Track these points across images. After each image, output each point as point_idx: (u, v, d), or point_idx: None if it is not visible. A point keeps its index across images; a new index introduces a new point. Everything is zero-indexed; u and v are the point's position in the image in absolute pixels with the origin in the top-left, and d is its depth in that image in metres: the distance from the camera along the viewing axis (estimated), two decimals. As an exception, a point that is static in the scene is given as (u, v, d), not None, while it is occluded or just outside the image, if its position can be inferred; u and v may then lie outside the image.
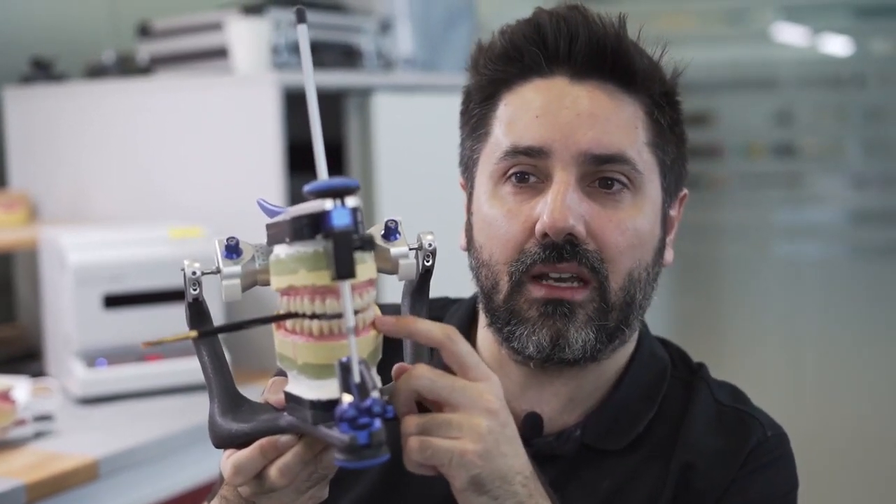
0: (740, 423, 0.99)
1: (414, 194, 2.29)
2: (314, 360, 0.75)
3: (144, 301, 1.93)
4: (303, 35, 0.74)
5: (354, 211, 0.72)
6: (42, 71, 2.40)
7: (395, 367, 0.80)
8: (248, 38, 2.18)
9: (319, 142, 0.73)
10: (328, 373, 0.74)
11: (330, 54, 2.35)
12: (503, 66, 0.98)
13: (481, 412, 0.78)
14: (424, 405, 0.79)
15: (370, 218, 2.15)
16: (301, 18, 0.75)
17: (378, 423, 0.71)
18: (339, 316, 0.74)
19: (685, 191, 1.04)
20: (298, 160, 2.22)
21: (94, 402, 1.91)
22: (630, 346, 1.02)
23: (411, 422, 0.78)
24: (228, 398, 0.82)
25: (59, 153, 2.37)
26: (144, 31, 2.41)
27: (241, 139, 2.14)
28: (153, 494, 1.73)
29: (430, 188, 2.26)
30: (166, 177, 2.25)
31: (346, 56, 2.39)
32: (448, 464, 0.77)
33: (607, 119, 0.94)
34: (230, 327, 0.82)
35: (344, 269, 0.71)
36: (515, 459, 0.80)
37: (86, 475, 1.60)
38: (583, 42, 0.94)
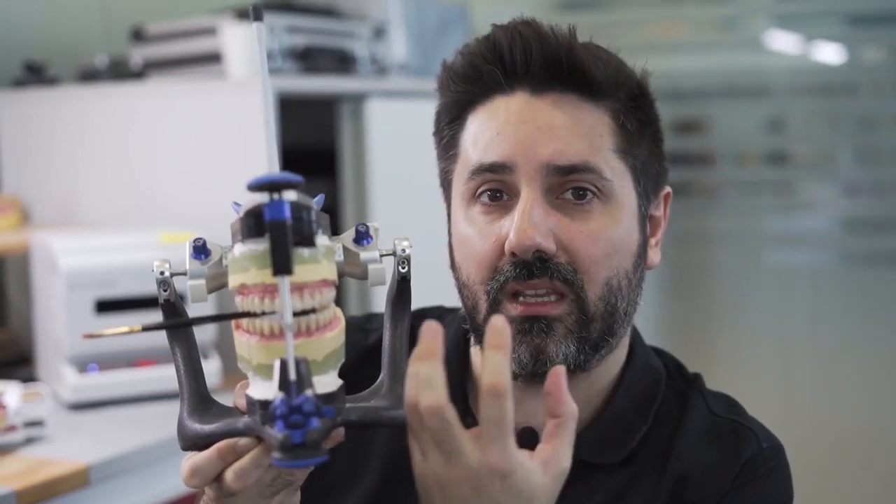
0: (735, 434, 0.99)
1: (407, 200, 2.29)
2: (265, 359, 0.74)
3: (136, 306, 1.93)
4: (259, 34, 0.74)
5: (292, 205, 0.71)
6: (34, 75, 2.40)
7: None
8: (241, 42, 2.17)
9: (272, 137, 0.73)
10: None
11: (323, 60, 2.35)
12: (465, 86, 0.98)
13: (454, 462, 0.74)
14: None
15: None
16: (257, 17, 0.74)
17: (315, 422, 0.70)
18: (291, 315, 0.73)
19: (668, 189, 1.04)
20: (293, 165, 2.22)
21: (85, 408, 1.91)
22: (620, 355, 1.01)
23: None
24: (198, 400, 0.82)
25: (52, 157, 2.37)
26: (137, 36, 2.41)
27: (234, 144, 2.14)
28: (144, 500, 1.72)
29: (423, 194, 2.25)
30: (159, 181, 2.25)
31: (340, 61, 2.39)
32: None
33: (569, 130, 0.94)
34: (177, 324, 0.81)
35: (279, 263, 0.70)
36: None
37: (77, 481, 1.60)
38: (537, 56, 0.95)
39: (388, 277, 0.84)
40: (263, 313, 0.73)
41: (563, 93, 0.95)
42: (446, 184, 1.02)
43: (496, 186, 0.95)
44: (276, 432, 0.70)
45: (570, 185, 0.94)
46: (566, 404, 0.77)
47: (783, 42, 3.15)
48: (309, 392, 0.70)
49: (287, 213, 0.70)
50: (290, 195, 0.71)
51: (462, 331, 1.04)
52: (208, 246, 0.79)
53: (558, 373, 0.77)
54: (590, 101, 0.95)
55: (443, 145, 1.02)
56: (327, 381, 0.76)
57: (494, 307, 0.94)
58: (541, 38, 0.95)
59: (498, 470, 0.73)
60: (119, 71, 2.39)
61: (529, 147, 0.93)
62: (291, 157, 2.20)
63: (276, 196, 0.70)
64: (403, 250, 0.83)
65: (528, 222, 0.91)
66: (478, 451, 0.74)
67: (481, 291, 0.95)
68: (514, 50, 0.95)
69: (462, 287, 0.98)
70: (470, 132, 0.98)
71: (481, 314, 0.95)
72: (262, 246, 0.72)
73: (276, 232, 0.70)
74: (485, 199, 0.96)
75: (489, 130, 0.96)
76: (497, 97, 0.97)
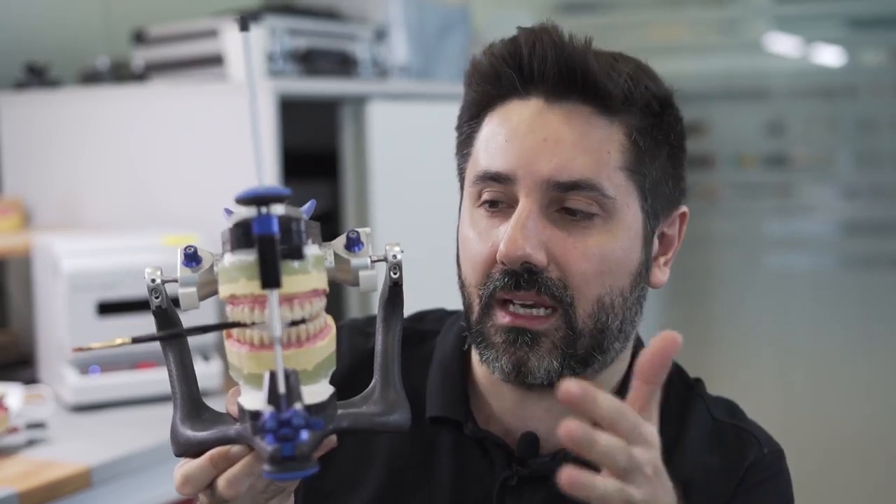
0: (737, 439, 0.99)
1: (409, 202, 2.29)
2: (255, 369, 0.74)
3: (138, 309, 1.92)
4: (246, 44, 0.74)
5: (280, 219, 0.71)
6: (36, 77, 2.40)
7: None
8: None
9: (262, 150, 0.73)
10: None
11: (325, 62, 2.35)
12: (485, 86, 0.98)
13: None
14: None
15: (366, 225, 2.15)
16: (244, 27, 0.74)
17: (304, 435, 0.70)
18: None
19: (684, 208, 1.03)
20: (294, 167, 2.23)
21: (87, 410, 1.91)
22: (622, 365, 1.01)
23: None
24: (191, 406, 0.82)
25: (53, 159, 2.37)
26: (139, 38, 2.41)
27: (235, 146, 2.14)
28: (146, 502, 1.72)
29: (424, 196, 2.26)
30: (161, 184, 2.25)
31: (341, 64, 2.40)
32: None
33: (574, 144, 0.93)
34: (166, 336, 0.82)
35: (268, 277, 0.70)
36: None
37: (79, 483, 1.60)
38: (552, 64, 0.94)
39: (381, 283, 0.84)
40: (253, 324, 0.74)
41: (577, 104, 0.94)
42: (461, 180, 1.03)
43: (496, 196, 0.95)
44: (266, 445, 0.70)
45: (569, 201, 0.93)
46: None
47: (783, 45, 3.16)
48: (298, 405, 0.71)
49: (275, 227, 0.70)
50: (277, 209, 0.71)
51: (464, 332, 1.05)
52: (199, 253, 0.80)
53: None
54: (603, 116, 0.94)
55: (460, 142, 1.02)
56: (317, 391, 0.75)
57: (485, 311, 0.94)
58: (556, 47, 0.94)
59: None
60: (120, 73, 2.40)
61: (532, 160, 0.93)
62: (293, 159, 2.21)
63: (264, 210, 0.70)
64: (395, 256, 0.83)
65: (519, 233, 0.91)
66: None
67: (475, 294, 0.96)
68: (533, 56, 0.94)
69: (461, 286, 0.99)
70: (484, 133, 0.98)
71: (474, 315, 0.96)
72: (251, 257, 0.72)
73: (264, 246, 0.70)
74: (487, 205, 0.96)
75: (500, 136, 0.95)
76: (514, 100, 0.96)
